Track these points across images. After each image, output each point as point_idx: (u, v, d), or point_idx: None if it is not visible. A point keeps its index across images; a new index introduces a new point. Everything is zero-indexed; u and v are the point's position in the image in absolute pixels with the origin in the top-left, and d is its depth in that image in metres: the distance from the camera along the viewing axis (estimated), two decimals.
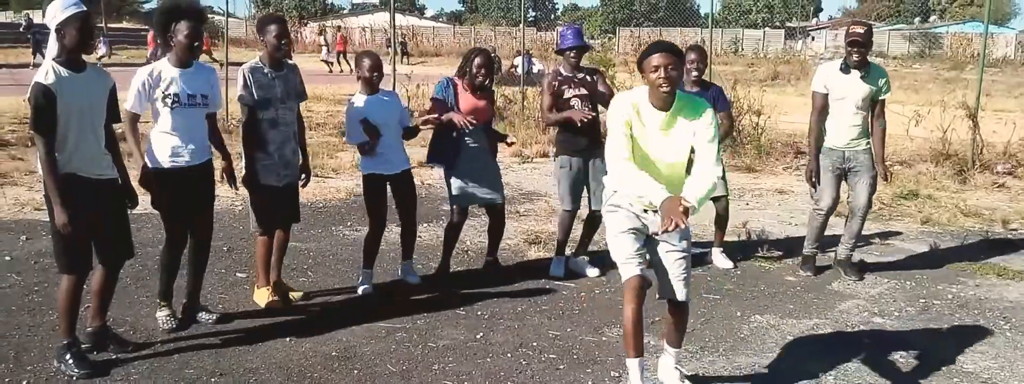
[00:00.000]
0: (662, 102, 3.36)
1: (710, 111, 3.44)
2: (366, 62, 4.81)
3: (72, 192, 3.54)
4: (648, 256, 3.55)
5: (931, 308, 4.97)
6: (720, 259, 5.75)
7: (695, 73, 5.54)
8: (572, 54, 5.24)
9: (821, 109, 5.47)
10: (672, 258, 3.53)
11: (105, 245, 3.78)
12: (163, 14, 4.03)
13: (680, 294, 3.56)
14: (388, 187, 4.94)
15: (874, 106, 5.44)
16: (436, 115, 4.94)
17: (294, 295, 4.79)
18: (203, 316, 4.38)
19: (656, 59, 3.27)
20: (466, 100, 5.01)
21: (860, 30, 5.30)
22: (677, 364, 3.78)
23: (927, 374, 3.98)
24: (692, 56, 5.54)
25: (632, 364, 3.50)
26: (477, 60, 4.97)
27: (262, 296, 4.63)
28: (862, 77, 5.32)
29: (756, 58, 36.36)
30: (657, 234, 3.39)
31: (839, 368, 4.01)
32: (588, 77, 5.32)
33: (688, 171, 3.49)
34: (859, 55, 5.28)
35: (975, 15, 52.57)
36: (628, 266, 3.46)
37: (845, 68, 5.35)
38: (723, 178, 5.67)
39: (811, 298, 5.12)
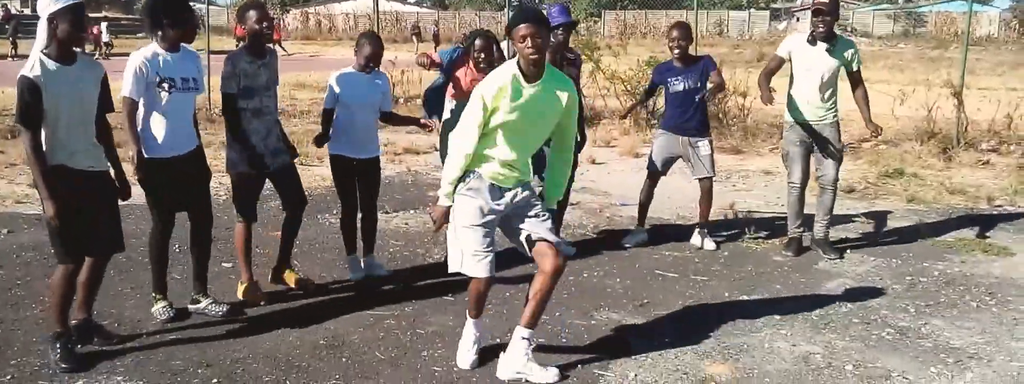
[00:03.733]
0: (535, 70, 3.42)
1: (573, 89, 3.61)
2: (367, 49, 4.69)
3: (62, 184, 3.48)
4: (516, 235, 3.70)
5: (917, 285, 5.00)
6: (702, 239, 5.74)
7: (677, 50, 5.52)
8: (559, 31, 5.25)
9: (770, 71, 5.49)
10: (537, 221, 3.62)
11: (96, 237, 3.73)
12: (154, 1, 3.99)
13: (551, 237, 3.60)
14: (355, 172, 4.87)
15: (850, 78, 5.44)
16: (429, 62, 5.09)
17: (290, 279, 4.75)
18: (213, 307, 4.33)
19: (524, 29, 3.33)
20: (467, 80, 5.04)
21: (825, 0, 5.29)
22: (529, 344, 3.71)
23: (915, 350, 4.00)
24: (674, 33, 5.52)
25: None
26: (478, 43, 4.98)
27: (243, 289, 4.57)
28: (828, 50, 5.32)
29: (742, 40, 36.36)
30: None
31: (827, 347, 4.03)
32: (576, 58, 5.43)
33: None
34: (825, 25, 5.26)
35: None
36: (478, 262, 3.58)
37: (812, 40, 5.35)
38: (710, 158, 5.65)
39: (798, 278, 5.13)
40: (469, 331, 3.81)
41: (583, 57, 5.74)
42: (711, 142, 5.69)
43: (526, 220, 3.63)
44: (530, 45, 3.33)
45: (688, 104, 5.56)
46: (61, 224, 3.48)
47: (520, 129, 3.49)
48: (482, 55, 4.95)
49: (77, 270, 3.66)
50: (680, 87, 5.54)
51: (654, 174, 5.80)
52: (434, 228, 3.61)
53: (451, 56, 5.18)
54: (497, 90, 3.41)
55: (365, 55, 4.68)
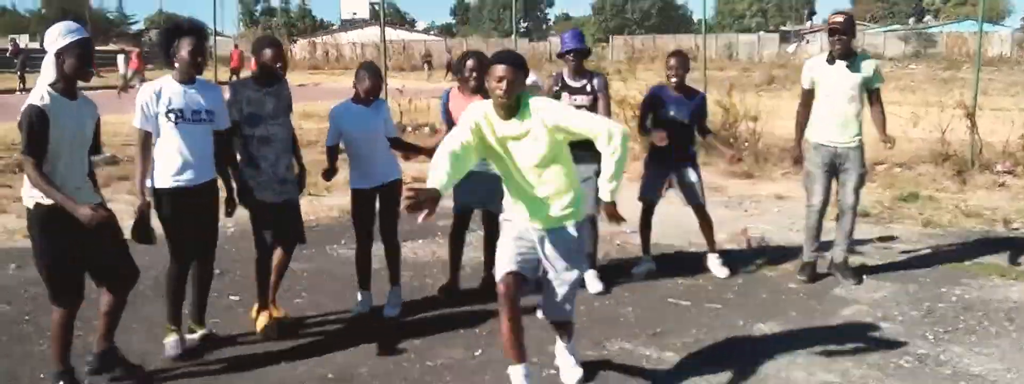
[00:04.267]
0: (505, 111, 3.43)
1: (550, 100, 3.64)
2: (367, 82, 4.65)
3: (59, 223, 3.46)
4: (536, 271, 3.64)
5: (935, 311, 4.91)
6: (715, 266, 5.67)
7: (675, 79, 5.48)
8: (570, 57, 5.23)
9: (805, 103, 5.48)
10: (557, 283, 3.62)
11: (105, 272, 3.73)
12: (166, 33, 4.04)
13: (562, 316, 3.76)
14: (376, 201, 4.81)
15: (869, 97, 5.39)
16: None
17: (276, 314, 4.68)
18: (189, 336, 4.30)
19: (498, 70, 3.36)
20: (457, 106, 4.92)
21: (839, 18, 5.28)
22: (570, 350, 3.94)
23: (934, 378, 3.92)
24: (672, 62, 5.48)
25: (515, 371, 3.55)
26: (469, 63, 4.88)
27: (260, 321, 4.54)
28: (847, 66, 5.28)
29: (751, 63, 36.38)
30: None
31: (844, 376, 3.95)
32: (589, 85, 5.28)
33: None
34: (841, 43, 5.24)
35: (969, 14, 52.75)
36: (505, 264, 3.53)
37: (830, 59, 5.32)
38: (699, 185, 5.60)
39: (813, 304, 5.05)
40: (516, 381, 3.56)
41: (604, 74, 5.60)
42: (698, 168, 5.63)
43: (558, 274, 3.61)
44: (503, 88, 3.35)
45: (674, 133, 5.50)
46: (55, 263, 3.50)
47: (510, 163, 3.49)
48: (473, 74, 4.86)
49: (73, 312, 3.63)
50: (671, 114, 5.49)
51: (648, 204, 5.74)
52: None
53: (444, 109, 5.11)
54: (480, 118, 3.47)
55: (365, 88, 4.64)
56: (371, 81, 4.65)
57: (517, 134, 3.42)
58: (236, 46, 27.33)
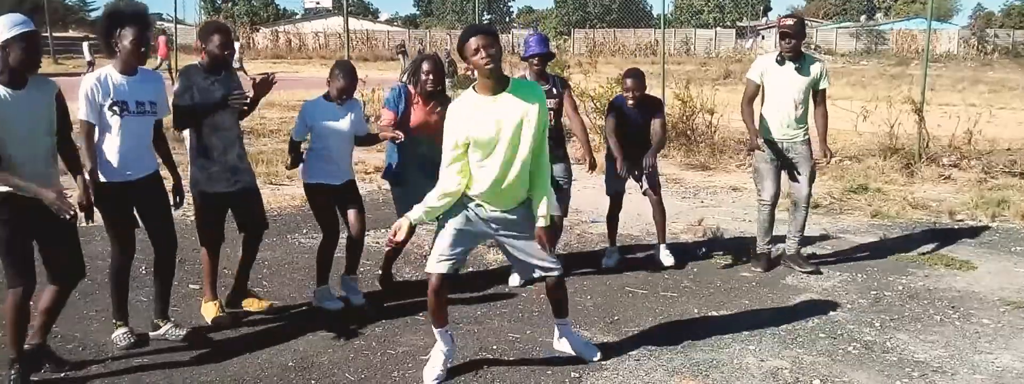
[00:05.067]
0: (492, 85, 3.46)
1: (543, 98, 3.59)
2: (340, 81, 4.59)
3: (15, 212, 3.43)
4: (514, 260, 3.87)
5: (882, 299, 5.07)
6: (664, 256, 5.77)
7: (632, 101, 5.56)
8: (535, 61, 5.26)
9: (750, 97, 5.59)
10: (528, 249, 3.75)
11: (55, 265, 3.68)
12: (106, 19, 3.92)
13: (553, 267, 3.80)
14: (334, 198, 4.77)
15: (814, 97, 5.52)
16: (391, 134, 4.70)
17: (261, 305, 4.70)
18: (173, 331, 4.27)
19: (474, 41, 3.36)
20: (417, 113, 4.84)
21: (790, 22, 5.39)
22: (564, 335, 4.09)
23: (880, 364, 4.06)
24: (628, 84, 5.57)
25: (439, 331, 3.84)
26: (425, 66, 4.81)
27: (209, 310, 4.52)
28: (796, 69, 5.41)
29: (708, 58, 36.80)
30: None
31: (795, 362, 4.07)
32: (553, 89, 5.30)
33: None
34: (790, 46, 5.36)
35: (919, 12, 53.92)
36: (437, 263, 3.68)
37: (780, 60, 5.45)
38: (655, 171, 5.72)
39: (766, 293, 5.19)
40: (438, 345, 3.85)
41: (564, 77, 5.60)
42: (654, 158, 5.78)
43: (519, 242, 3.75)
44: (484, 55, 3.36)
45: (634, 137, 5.62)
46: (11, 248, 3.45)
47: (493, 145, 3.50)
48: (430, 77, 4.77)
49: (28, 293, 3.59)
50: (632, 123, 5.61)
51: (615, 197, 5.84)
52: (389, 236, 3.70)
53: (398, 98, 4.89)
54: (462, 118, 3.48)
55: (338, 88, 4.59)
56: (345, 81, 4.59)
57: (504, 104, 3.45)
58: (164, 32, 25.65)
